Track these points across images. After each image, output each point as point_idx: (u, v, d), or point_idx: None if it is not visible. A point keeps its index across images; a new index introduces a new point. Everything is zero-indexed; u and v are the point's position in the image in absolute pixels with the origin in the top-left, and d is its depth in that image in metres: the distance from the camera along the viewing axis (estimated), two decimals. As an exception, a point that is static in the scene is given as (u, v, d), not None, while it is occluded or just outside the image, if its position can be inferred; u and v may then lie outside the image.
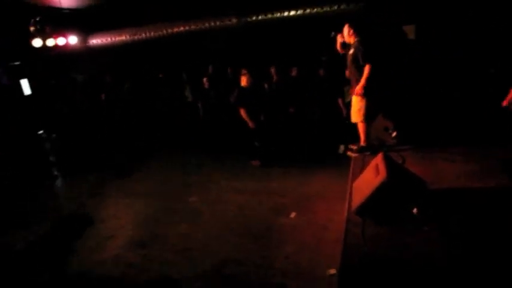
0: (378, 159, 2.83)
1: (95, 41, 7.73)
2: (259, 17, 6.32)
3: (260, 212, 4.06)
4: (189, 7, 7.16)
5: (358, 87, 3.96)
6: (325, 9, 5.83)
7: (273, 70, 5.90)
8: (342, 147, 5.76)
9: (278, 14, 6.12)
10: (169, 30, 7.16)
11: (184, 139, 7.10)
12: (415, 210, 2.67)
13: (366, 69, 3.85)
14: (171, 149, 6.86)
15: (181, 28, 7.02)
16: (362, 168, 3.49)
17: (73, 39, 6.84)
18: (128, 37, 7.42)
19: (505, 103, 3.74)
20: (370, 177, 2.76)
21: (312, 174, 5.02)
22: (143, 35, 7.27)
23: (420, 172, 3.30)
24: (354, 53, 3.94)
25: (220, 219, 4.02)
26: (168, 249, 3.50)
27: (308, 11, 5.86)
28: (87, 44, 7.76)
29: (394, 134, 4.75)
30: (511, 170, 3.65)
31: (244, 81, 5.21)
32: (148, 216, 4.23)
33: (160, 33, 7.30)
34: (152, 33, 7.34)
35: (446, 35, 6.04)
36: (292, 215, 3.93)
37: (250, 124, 5.20)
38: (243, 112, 5.20)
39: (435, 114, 5.08)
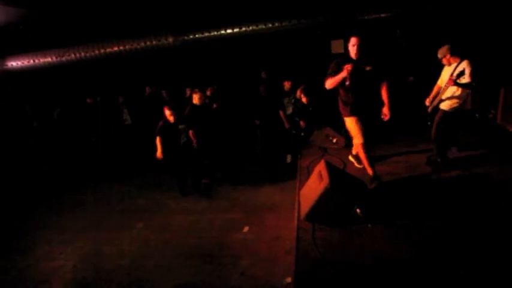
0: (321, 166, 2.97)
1: (15, 63, 7.01)
2: (197, 36, 6.34)
3: (211, 231, 3.96)
4: (122, 26, 6.91)
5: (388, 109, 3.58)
6: (260, 27, 6.06)
7: (208, 92, 5.83)
8: (289, 157, 5.96)
9: (215, 33, 6.20)
10: (102, 51, 6.81)
11: (125, 163, 6.69)
12: (358, 211, 2.83)
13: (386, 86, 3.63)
14: (111, 175, 6.40)
15: (115, 48, 6.72)
16: (308, 176, 3.62)
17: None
18: (54, 59, 6.87)
19: (428, 102, 4.26)
20: (314, 184, 2.87)
21: (262, 187, 5.07)
22: (72, 56, 6.79)
23: (359, 173, 3.53)
24: (372, 70, 3.45)
25: (170, 243, 3.81)
26: (116, 286, 3.20)
27: (244, 29, 6.04)
28: (4, 67, 7.00)
29: (335, 140, 5.07)
30: (434, 163, 4.14)
31: (196, 99, 5.02)
32: (91, 251, 3.84)
33: (92, 53, 6.90)
34: (83, 54, 6.90)
35: (372, 48, 6.71)
36: (245, 229, 3.90)
37: (195, 143, 5.08)
38: (191, 131, 5.05)
39: (367, 120, 5.56)
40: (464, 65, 3.88)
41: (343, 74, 3.24)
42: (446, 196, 3.41)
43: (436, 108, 4.18)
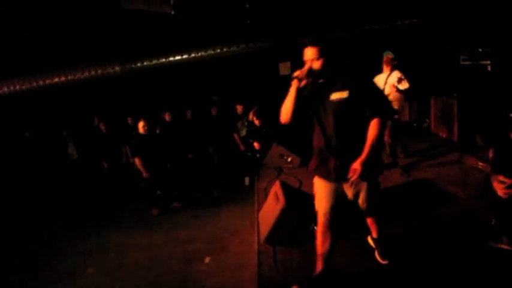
0: (276, 187, 3.01)
1: None
2: (145, 63, 6.24)
3: (171, 265, 3.76)
4: (65, 55, 6.58)
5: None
6: (208, 52, 6.16)
7: (167, 116, 5.76)
8: (247, 180, 5.96)
9: (163, 60, 6.16)
10: (41, 83, 6.39)
11: (71, 201, 6.19)
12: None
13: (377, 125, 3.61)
14: (57, 214, 5.85)
15: (56, 79, 6.34)
16: (265, 198, 3.64)
17: None
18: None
19: None
20: (271, 205, 2.89)
21: (221, 212, 4.98)
22: (5, 89, 6.27)
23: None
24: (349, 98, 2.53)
25: (125, 283, 3.54)
26: None
27: (193, 55, 6.09)
28: None
29: (290, 159, 5.18)
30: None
31: (141, 128, 4.95)
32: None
33: (29, 85, 6.44)
34: (18, 87, 6.41)
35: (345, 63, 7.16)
36: (206, 260, 3.77)
37: (144, 174, 4.95)
38: (137, 161, 4.92)
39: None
40: (398, 74, 4.35)
41: (293, 86, 2.05)
42: (396, 203, 3.62)
43: None
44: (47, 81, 6.30)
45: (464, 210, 3.26)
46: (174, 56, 6.13)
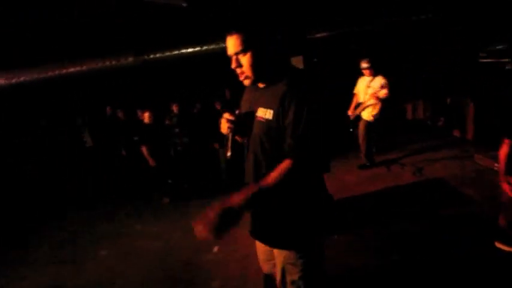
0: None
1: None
2: (158, 55, 6.29)
3: (180, 254, 3.83)
4: (79, 46, 6.69)
5: None
6: (221, 45, 6.16)
7: (175, 107, 5.81)
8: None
9: (176, 52, 6.20)
10: (58, 72, 6.51)
11: (86, 187, 6.35)
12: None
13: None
14: (71, 202, 6.02)
15: (72, 69, 6.46)
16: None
17: None
18: (1, 82, 6.44)
19: (350, 112, 4.77)
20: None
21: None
22: (22, 78, 6.42)
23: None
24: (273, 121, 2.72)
25: (136, 269, 3.63)
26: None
27: (205, 47, 6.11)
28: None
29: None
30: (365, 167, 4.54)
31: (146, 118, 5.14)
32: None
33: (45, 75, 6.58)
34: (36, 76, 6.55)
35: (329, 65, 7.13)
36: (215, 249, 3.82)
37: (151, 162, 5.13)
38: (144, 150, 5.10)
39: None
40: (380, 79, 4.39)
41: (229, 137, 1.56)
42: (406, 202, 3.60)
43: (359, 116, 4.63)
44: (63, 71, 6.43)
45: (476, 211, 3.22)
46: (187, 48, 6.16)
